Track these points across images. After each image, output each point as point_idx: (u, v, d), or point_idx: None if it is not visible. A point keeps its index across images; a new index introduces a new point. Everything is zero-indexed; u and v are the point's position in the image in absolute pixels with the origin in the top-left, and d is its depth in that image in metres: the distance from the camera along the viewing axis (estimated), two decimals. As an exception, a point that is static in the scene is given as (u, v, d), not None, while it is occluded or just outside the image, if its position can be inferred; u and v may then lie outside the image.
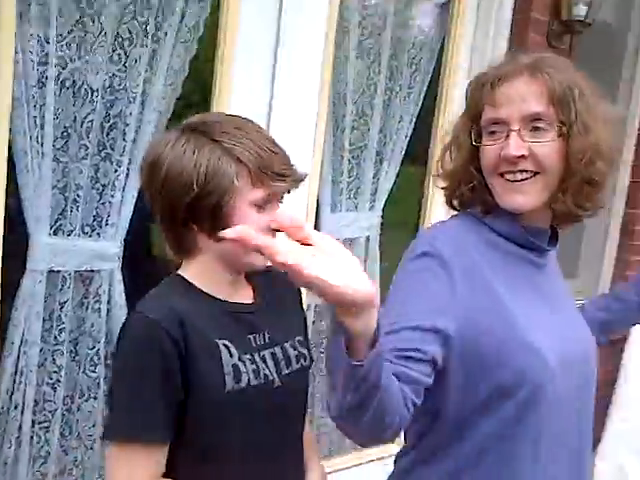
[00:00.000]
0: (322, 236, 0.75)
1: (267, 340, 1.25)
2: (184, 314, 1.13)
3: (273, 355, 1.24)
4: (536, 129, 1.09)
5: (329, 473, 2.46)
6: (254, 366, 1.19)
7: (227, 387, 1.15)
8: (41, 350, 1.82)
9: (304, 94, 2.16)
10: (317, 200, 2.33)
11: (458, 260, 1.08)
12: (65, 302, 1.84)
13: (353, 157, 2.44)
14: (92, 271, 1.88)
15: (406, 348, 0.99)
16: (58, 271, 1.81)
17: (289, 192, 1.23)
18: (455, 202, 1.23)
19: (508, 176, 1.10)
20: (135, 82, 1.83)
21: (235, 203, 1.15)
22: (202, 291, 1.21)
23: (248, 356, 1.19)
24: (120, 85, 1.82)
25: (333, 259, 0.74)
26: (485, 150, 1.13)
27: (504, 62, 1.14)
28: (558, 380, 1.07)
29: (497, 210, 1.15)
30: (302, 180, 1.24)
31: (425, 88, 2.54)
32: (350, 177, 2.45)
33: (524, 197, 1.10)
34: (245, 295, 1.28)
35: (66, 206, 1.80)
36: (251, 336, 1.23)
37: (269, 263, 0.72)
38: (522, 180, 1.10)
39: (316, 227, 2.34)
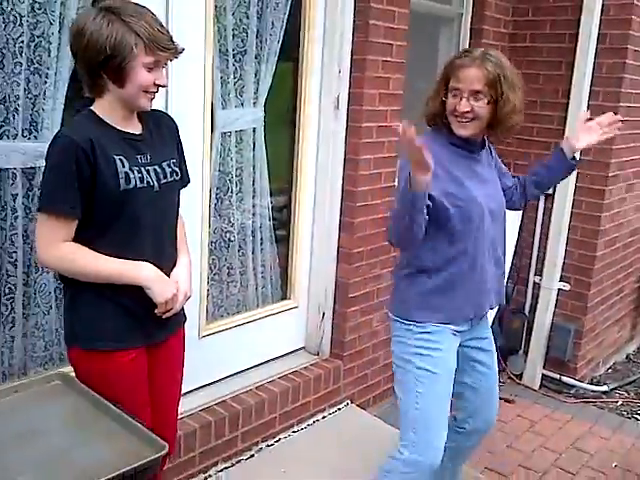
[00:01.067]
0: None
1: (150, 159, 1.86)
2: (93, 137, 1.72)
3: (155, 170, 1.87)
4: (476, 98, 2.00)
5: (236, 326, 3.05)
6: (140, 175, 1.81)
7: (121, 187, 1.76)
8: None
9: (193, 9, 2.57)
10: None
11: (434, 157, 1.82)
12: (16, 194, 2.25)
13: (236, 60, 2.88)
14: (33, 168, 2.28)
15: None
16: (7, 169, 2.21)
17: (171, 60, 1.84)
18: (432, 124, 2.16)
19: (459, 119, 2.04)
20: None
21: (133, 64, 1.73)
22: (106, 122, 1.80)
23: (136, 168, 1.81)
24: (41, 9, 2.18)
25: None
26: (449, 103, 2.05)
27: (465, 54, 2.05)
28: (486, 217, 2.08)
29: (451, 131, 2.08)
30: (180, 52, 1.85)
31: (291, -2, 2.99)
32: (235, 78, 2.89)
33: (465, 130, 2.06)
34: (136, 128, 1.88)
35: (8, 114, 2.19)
36: (138, 156, 1.84)
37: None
38: (465, 122, 2.04)
39: (212, 122, 2.80)
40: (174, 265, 1.97)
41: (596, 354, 4.05)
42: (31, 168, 2.27)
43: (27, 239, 2.31)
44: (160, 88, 1.84)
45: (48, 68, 2.23)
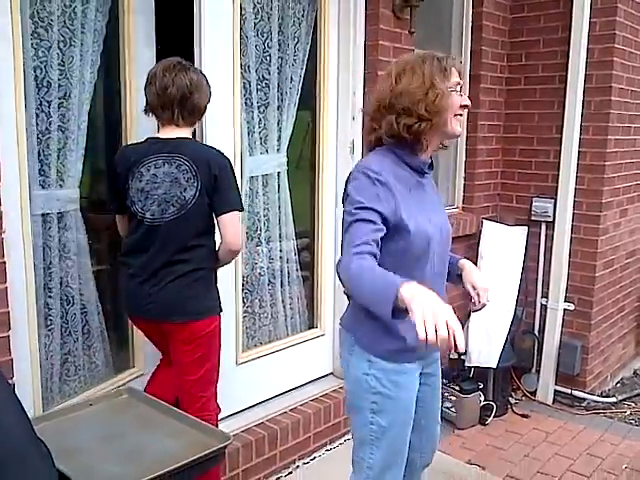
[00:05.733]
0: None
1: None
2: None
3: None
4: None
5: (271, 353, 3.28)
6: None
7: None
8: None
9: (222, 68, 2.90)
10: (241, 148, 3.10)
11: (383, 177, 1.81)
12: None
13: (260, 112, 3.20)
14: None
15: (374, 221, 1.75)
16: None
17: None
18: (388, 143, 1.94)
19: (461, 116, 1.91)
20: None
21: None
22: None
23: None
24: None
25: None
26: (454, 101, 1.87)
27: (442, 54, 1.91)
28: (436, 246, 1.92)
29: (406, 148, 1.91)
30: None
31: (307, 55, 3.31)
32: (260, 128, 3.20)
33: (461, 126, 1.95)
34: None
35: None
36: None
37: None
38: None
39: (241, 168, 3.11)
40: None
41: (603, 369, 4.29)
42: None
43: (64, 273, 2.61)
44: None
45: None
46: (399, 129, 1.86)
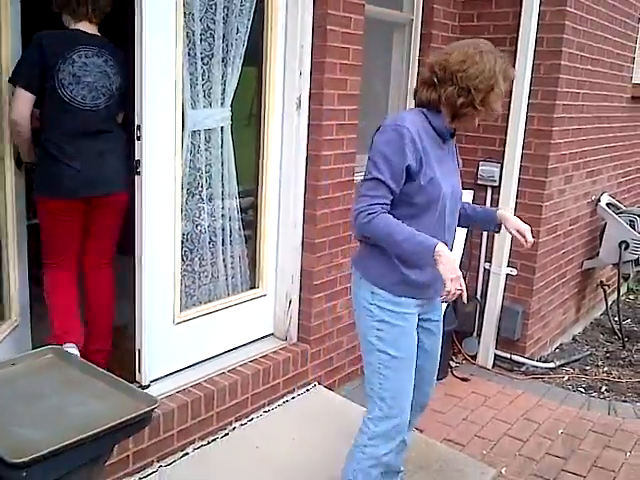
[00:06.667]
0: None
1: None
2: None
3: None
4: None
5: (211, 313, 3.21)
6: None
7: None
8: None
9: (164, 16, 2.75)
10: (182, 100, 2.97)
11: (410, 132, 2.06)
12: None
13: (204, 64, 3.06)
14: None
15: (393, 190, 2.07)
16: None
17: None
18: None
19: None
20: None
21: None
22: None
23: None
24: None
25: None
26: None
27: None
28: (447, 201, 2.18)
29: (437, 112, 2.16)
30: None
31: (254, 6, 3.16)
32: (203, 80, 3.06)
33: None
34: None
35: None
36: None
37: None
38: None
39: (182, 121, 2.97)
40: None
41: (543, 334, 4.35)
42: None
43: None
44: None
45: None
46: (455, 102, 2.09)
